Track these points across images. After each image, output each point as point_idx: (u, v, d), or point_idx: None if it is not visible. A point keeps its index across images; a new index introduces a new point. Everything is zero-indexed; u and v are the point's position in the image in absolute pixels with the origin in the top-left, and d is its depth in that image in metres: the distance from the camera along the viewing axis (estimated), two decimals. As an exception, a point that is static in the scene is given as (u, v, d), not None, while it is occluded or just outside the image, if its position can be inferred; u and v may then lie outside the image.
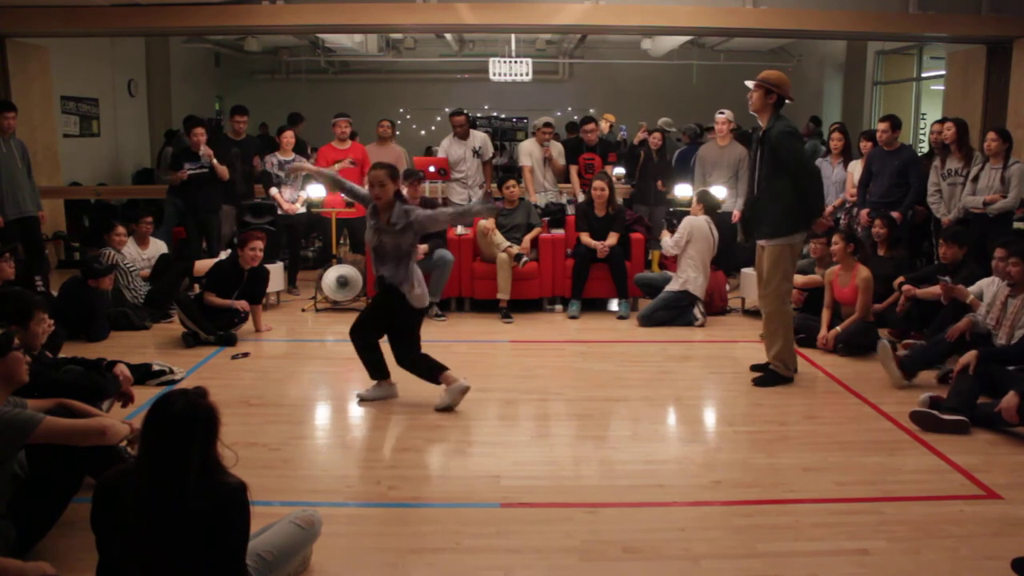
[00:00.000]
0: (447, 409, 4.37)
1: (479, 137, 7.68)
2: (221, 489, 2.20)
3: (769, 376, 4.86)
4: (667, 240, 6.59)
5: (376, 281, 4.55)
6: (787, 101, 4.70)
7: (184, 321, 5.68)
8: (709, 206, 6.53)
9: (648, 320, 6.36)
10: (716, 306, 6.66)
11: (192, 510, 2.15)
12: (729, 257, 7.11)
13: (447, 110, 15.41)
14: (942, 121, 6.64)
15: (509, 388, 4.82)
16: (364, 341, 4.54)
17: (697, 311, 6.35)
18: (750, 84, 4.72)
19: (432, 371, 4.47)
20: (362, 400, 4.54)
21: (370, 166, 4.57)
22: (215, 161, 7.13)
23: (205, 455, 2.19)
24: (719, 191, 6.85)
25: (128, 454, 3.02)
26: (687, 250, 6.36)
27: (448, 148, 7.58)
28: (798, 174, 4.63)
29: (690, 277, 6.32)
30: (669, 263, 8.31)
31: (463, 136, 7.54)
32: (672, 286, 6.41)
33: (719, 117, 7.30)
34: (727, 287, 6.94)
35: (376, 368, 4.57)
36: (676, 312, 6.35)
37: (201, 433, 2.18)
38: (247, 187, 7.65)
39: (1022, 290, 4.64)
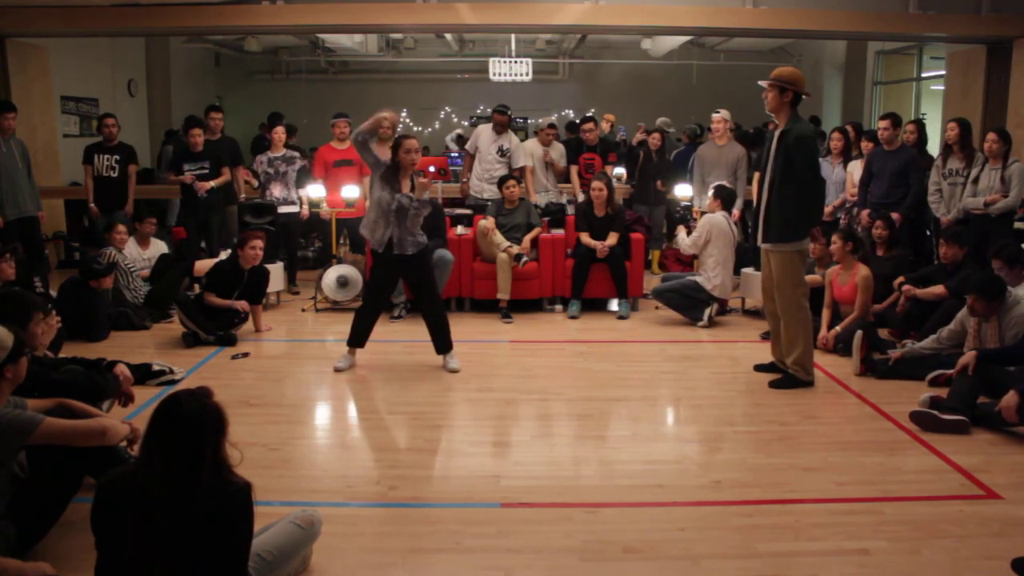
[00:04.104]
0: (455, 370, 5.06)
1: (514, 140, 7.60)
2: (227, 489, 2.20)
3: (787, 379, 4.82)
4: (684, 238, 6.52)
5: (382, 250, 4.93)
6: (804, 98, 4.59)
7: (184, 321, 5.68)
8: (727, 199, 6.44)
9: (659, 295, 6.44)
10: (716, 306, 6.65)
11: (198, 511, 2.15)
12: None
13: (446, 108, 15.54)
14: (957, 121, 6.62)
15: (509, 388, 4.82)
16: (380, 309, 5.25)
17: (707, 312, 6.26)
18: (764, 84, 4.61)
19: (446, 339, 5.10)
20: (338, 369, 5.09)
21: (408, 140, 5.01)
22: (213, 183, 7.05)
23: (214, 455, 2.19)
24: (719, 191, 6.83)
25: (128, 454, 3.02)
26: (707, 250, 6.29)
27: (480, 134, 7.60)
28: (804, 181, 4.55)
29: (713, 277, 6.24)
30: (670, 264, 8.34)
31: (499, 131, 7.51)
32: (701, 280, 6.30)
33: (715, 117, 7.31)
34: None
35: (365, 336, 5.16)
36: (689, 302, 6.31)
37: (212, 433, 2.18)
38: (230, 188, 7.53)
39: (989, 315, 4.64)
